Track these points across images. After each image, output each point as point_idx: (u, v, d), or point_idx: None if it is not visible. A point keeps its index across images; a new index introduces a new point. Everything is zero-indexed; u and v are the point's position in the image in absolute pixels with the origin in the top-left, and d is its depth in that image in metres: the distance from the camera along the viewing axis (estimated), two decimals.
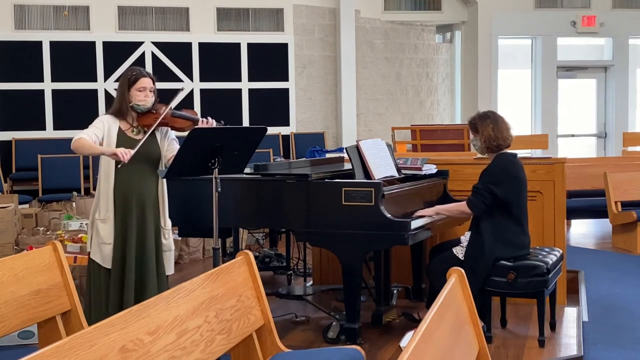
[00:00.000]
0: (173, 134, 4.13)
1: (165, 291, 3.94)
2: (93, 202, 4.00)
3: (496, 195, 4.14)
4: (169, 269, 4.08)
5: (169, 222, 4.08)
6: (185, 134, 3.71)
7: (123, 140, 3.92)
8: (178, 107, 4.26)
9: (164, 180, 4.07)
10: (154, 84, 4.03)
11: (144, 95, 3.97)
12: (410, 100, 12.32)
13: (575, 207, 7.72)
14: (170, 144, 4.09)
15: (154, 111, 4.01)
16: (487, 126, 4.25)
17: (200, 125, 3.98)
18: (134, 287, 3.91)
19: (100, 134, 3.91)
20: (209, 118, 4.04)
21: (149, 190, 3.99)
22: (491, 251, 4.12)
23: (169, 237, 4.08)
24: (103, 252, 3.91)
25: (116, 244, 3.90)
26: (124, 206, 3.92)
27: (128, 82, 3.96)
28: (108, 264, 3.91)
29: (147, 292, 3.90)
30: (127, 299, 3.87)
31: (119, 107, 3.98)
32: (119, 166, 3.80)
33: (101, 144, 3.90)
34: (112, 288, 3.90)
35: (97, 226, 3.93)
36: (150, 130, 3.95)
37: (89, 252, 3.99)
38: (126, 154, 3.76)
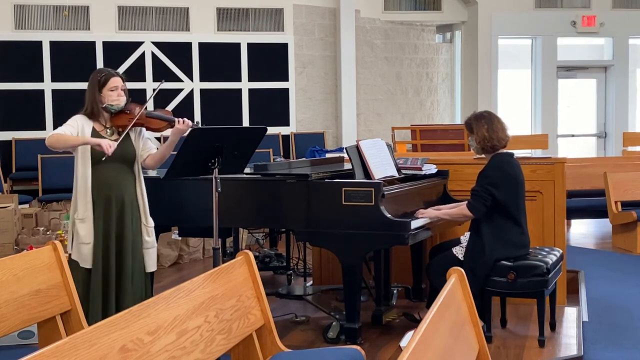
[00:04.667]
0: (147, 133, 4.11)
1: (147, 288, 3.99)
2: (72, 202, 3.99)
3: (494, 195, 4.14)
4: (152, 265, 4.06)
5: (150, 220, 4.06)
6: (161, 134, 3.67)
7: None
8: (173, 107, 4.23)
9: (142, 178, 4.05)
10: (124, 82, 4.00)
11: (116, 94, 3.92)
12: (410, 100, 12.32)
13: (575, 207, 7.72)
14: (145, 143, 4.05)
15: (128, 111, 3.96)
16: (482, 127, 4.25)
17: (176, 125, 3.96)
18: (115, 286, 3.90)
19: (75, 132, 3.87)
20: (185, 119, 3.98)
21: (127, 189, 3.97)
22: (491, 252, 4.12)
23: (152, 234, 4.06)
24: (82, 252, 3.88)
25: (97, 243, 3.88)
26: (104, 205, 3.90)
27: (98, 83, 3.92)
28: (87, 264, 3.88)
29: (124, 290, 3.89)
30: (110, 299, 3.86)
31: (91, 109, 3.94)
32: (103, 159, 3.77)
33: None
34: (94, 287, 3.87)
35: (76, 226, 3.92)
36: (125, 132, 3.90)
37: (69, 254, 3.98)
38: (110, 146, 3.74)
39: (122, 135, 3.89)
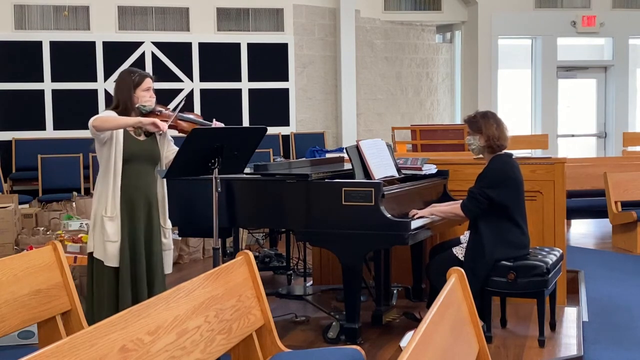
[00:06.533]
0: (169, 134, 4.14)
1: (163, 290, 3.98)
2: (95, 199, 3.97)
3: (492, 199, 4.13)
4: (168, 267, 4.08)
5: (169, 222, 4.09)
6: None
7: (128, 140, 3.91)
8: (173, 107, 4.27)
9: (164, 180, 4.07)
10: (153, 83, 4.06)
11: (149, 95, 3.98)
12: (410, 100, 12.32)
13: (575, 207, 7.72)
14: (168, 144, 4.10)
15: (158, 112, 4.02)
16: (491, 125, 4.24)
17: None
18: (146, 286, 3.92)
19: None
20: (220, 123, 4.04)
21: (153, 189, 4.00)
22: (491, 253, 4.12)
23: (169, 236, 4.09)
24: (107, 250, 3.87)
25: (123, 241, 3.89)
26: (131, 204, 3.91)
27: (133, 83, 3.96)
28: (112, 262, 3.88)
29: (155, 291, 3.90)
30: (141, 298, 3.85)
31: (124, 108, 3.95)
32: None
33: (106, 142, 3.89)
34: (122, 285, 3.88)
35: (103, 224, 3.89)
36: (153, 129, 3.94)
37: (90, 252, 3.97)
38: (163, 123, 3.83)
39: (176, 112, 3.94)
